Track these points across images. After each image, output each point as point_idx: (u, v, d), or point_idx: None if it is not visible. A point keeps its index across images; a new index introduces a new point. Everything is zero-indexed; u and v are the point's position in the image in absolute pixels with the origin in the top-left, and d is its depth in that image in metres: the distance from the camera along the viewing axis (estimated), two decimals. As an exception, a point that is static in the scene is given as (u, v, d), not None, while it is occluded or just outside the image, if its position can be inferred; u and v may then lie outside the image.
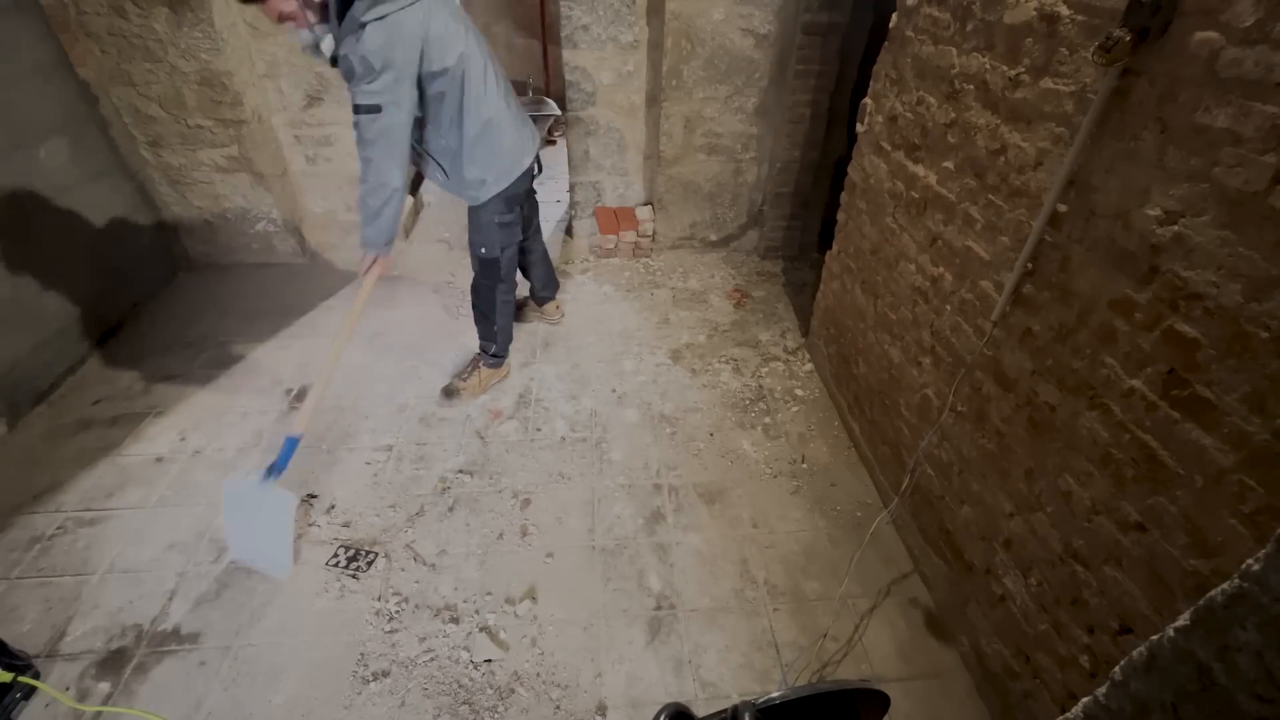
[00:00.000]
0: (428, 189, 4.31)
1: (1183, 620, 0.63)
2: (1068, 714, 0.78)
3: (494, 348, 2.55)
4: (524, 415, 2.52)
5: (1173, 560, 1.08)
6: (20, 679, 1.53)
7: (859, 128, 2.26)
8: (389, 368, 2.72)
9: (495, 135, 2.04)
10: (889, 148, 2.05)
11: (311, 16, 1.71)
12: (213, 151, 2.98)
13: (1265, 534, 0.92)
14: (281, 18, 1.70)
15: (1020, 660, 1.50)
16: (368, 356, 2.77)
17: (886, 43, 2.03)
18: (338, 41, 1.73)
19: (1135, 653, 0.69)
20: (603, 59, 3.12)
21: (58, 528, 1.99)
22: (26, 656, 1.60)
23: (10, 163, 2.38)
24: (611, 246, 3.61)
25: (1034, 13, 1.36)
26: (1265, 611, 0.55)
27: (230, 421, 2.41)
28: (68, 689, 1.60)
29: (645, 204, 3.67)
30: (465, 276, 3.35)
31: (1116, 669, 0.71)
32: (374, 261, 2.03)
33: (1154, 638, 0.66)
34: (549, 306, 3.04)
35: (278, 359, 2.74)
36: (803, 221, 3.61)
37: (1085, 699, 0.76)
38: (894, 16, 1.97)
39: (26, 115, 2.46)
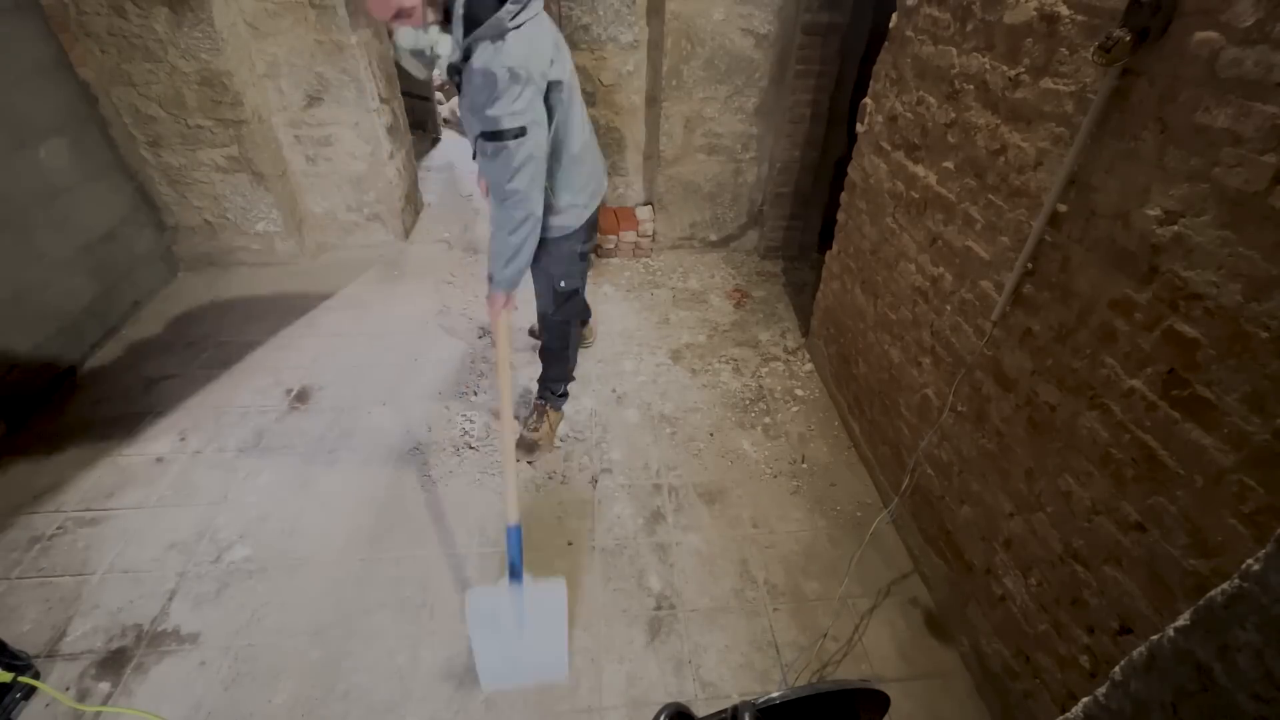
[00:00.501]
0: (426, 192, 4.32)
1: (1183, 620, 0.63)
2: (1068, 714, 0.78)
3: (562, 387, 2.39)
4: (524, 415, 2.51)
5: (1173, 560, 1.08)
6: (20, 679, 1.53)
7: (859, 128, 2.26)
8: (390, 369, 2.72)
9: (592, 151, 1.86)
10: (889, 148, 2.05)
11: (431, 15, 1.48)
12: (213, 151, 2.98)
13: (1265, 534, 0.92)
14: (398, 14, 1.42)
15: (1020, 660, 1.50)
16: (369, 357, 2.77)
17: (886, 43, 2.03)
18: (464, 48, 1.49)
19: (1135, 653, 0.69)
20: (603, 59, 3.12)
21: (58, 528, 1.99)
22: (26, 656, 1.60)
23: (10, 163, 2.38)
24: (611, 246, 3.61)
25: (1034, 13, 1.36)
26: (1265, 611, 0.55)
27: (230, 421, 2.41)
28: (68, 689, 1.60)
29: (645, 204, 3.67)
30: (464, 277, 3.37)
31: (1116, 669, 0.71)
32: (505, 301, 1.78)
33: (1154, 638, 0.66)
34: (584, 330, 2.85)
35: (277, 359, 2.74)
36: (803, 221, 3.62)
37: (1085, 699, 0.76)
38: (894, 16, 1.97)
39: (26, 115, 2.46)
